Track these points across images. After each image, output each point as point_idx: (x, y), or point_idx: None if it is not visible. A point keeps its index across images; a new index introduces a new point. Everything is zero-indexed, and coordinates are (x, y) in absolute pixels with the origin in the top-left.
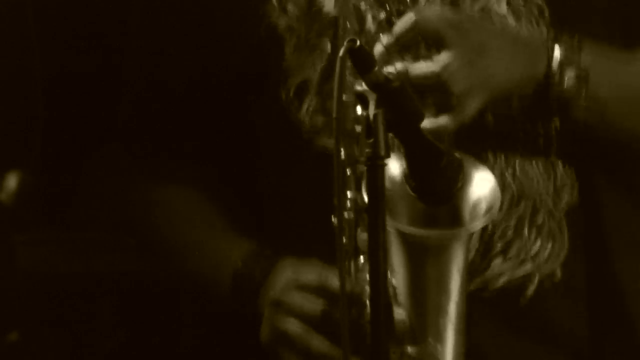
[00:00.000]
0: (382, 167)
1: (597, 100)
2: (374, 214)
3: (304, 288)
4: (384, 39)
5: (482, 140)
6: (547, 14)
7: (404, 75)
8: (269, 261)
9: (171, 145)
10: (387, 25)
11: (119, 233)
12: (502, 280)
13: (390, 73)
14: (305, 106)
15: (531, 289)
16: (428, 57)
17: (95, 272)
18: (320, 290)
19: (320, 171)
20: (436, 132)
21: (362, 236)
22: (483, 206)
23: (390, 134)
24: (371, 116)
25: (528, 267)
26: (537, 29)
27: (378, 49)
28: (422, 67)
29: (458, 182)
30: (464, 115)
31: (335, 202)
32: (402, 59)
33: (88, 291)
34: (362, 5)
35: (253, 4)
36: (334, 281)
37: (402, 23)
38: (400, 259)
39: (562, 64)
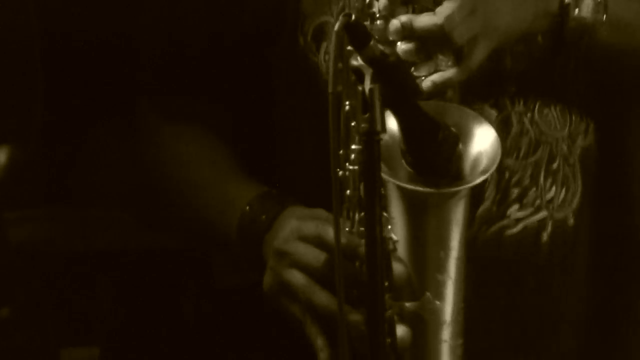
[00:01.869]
0: (378, 142)
1: (618, 24)
2: (371, 190)
3: (306, 238)
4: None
5: (500, 85)
6: None
7: (408, 29)
8: (276, 206)
9: (183, 84)
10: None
11: (126, 174)
12: (518, 227)
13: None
14: (322, 50)
15: (545, 236)
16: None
17: (94, 251)
18: (320, 242)
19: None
20: (444, 85)
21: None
22: (484, 161)
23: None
24: (367, 91)
25: (543, 213)
26: None
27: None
28: (424, 20)
29: (454, 156)
30: (471, 66)
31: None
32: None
33: (86, 270)
34: None
35: None
36: (329, 232)
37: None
38: (400, 213)
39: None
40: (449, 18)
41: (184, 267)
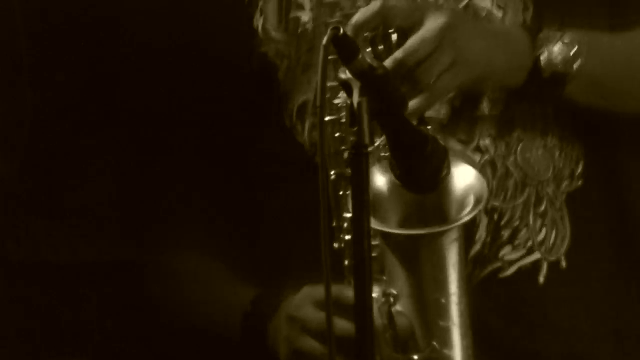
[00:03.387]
0: (367, 155)
1: (589, 75)
2: (359, 202)
3: (318, 303)
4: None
5: (481, 128)
6: (531, 9)
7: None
8: (276, 297)
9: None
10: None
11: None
12: (512, 269)
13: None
14: (306, 126)
15: (542, 277)
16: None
17: (82, 262)
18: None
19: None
20: (414, 113)
21: None
22: (471, 198)
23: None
24: (355, 104)
25: (536, 255)
26: (519, 21)
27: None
28: (386, 62)
29: (443, 168)
30: (435, 95)
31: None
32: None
33: (74, 281)
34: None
35: (241, 39)
36: (348, 294)
37: (363, 12)
38: (395, 264)
39: (548, 45)
40: (409, 52)
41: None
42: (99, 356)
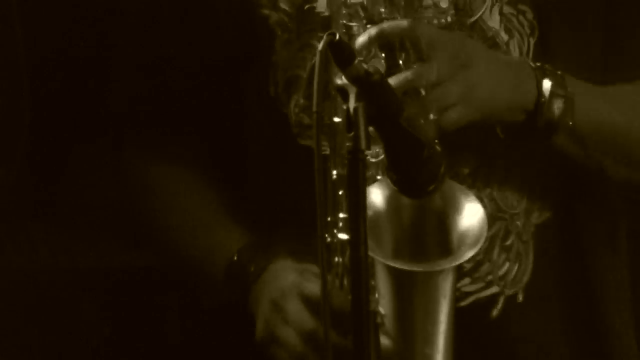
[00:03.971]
0: (363, 160)
1: (579, 128)
2: (355, 207)
3: (306, 298)
4: (370, 31)
5: (464, 159)
6: (537, 33)
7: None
8: (264, 256)
9: (166, 128)
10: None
11: (114, 218)
12: (468, 301)
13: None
14: (292, 102)
15: (496, 311)
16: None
17: (80, 268)
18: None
19: (306, 165)
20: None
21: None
22: (470, 237)
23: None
24: (351, 110)
25: (494, 288)
26: (525, 58)
27: (359, 41)
28: (395, 77)
29: (439, 174)
30: (444, 125)
31: (317, 199)
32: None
33: (73, 287)
34: (353, 9)
35: None
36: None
37: (393, 23)
38: (388, 288)
39: (552, 93)
40: (421, 75)
41: (169, 286)
42: None
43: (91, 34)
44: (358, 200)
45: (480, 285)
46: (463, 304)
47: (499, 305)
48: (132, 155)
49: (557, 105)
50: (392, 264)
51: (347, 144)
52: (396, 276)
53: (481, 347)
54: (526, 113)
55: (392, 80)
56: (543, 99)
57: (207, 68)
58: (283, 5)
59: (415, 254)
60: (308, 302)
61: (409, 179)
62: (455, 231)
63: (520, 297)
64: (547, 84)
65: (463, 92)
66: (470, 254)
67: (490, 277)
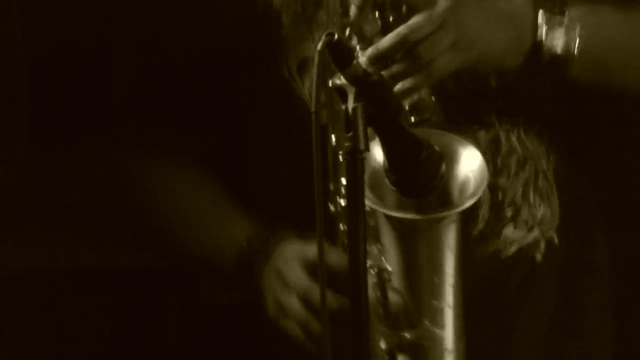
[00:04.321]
0: (362, 160)
1: (591, 56)
2: (354, 208)
3: (305, 262)
4: (369, 50)
5: (487, 104)
6: None
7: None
8: (272, 241)
9: (172, 122)
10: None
11: (116, 218)
12: (513, 248)
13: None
14: (307, 82)
15: (539, 256)
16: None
17: (80, 269)
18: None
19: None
20: (409, 91)
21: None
22: (471, 184)
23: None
24: (350, 110)
25: (535, 232)
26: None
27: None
28: (387, 39)
29: (438, 175)
30: (433, 73)
31: (316, 196)
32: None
33: (73, 287)
34: None
35: None
36: (339, 262)
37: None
38: (392, 241)
39: (548, 29)
40: (413, 28)
41: (170, 286)
42: None
43: (91, 31)
44: (357, 199)
45: (523, 231)
46: (509, 252)
47: (542, 249)
48: (134, 154)
49: (557, 39)
50: (394, 214)
51: (346, 144)
52: (399, 229)
53: (531, 291)
54: (525, 54)
55: (388, 38)
56: (539, 38)
57: (213, 63)
58: None
59: (417, 206)
60: (308, 265)
61: (407, 179)
62: (456, 182)
63: (556, 240)
64: (542, 20)
65: (455, 37)
66: (470, 202)
67: (531, 222)
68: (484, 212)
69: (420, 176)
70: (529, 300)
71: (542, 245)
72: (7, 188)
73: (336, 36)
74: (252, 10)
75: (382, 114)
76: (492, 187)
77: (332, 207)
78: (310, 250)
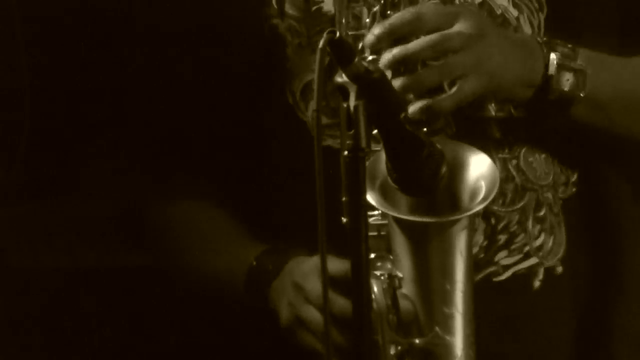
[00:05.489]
0: (363, 158)
1: (596, 99)
2: (355, 206)
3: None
4: (375, 28)
5: (486, 132)
6: (545, 10)
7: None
8: (282, 256)
9: (183, 160)
10: (381, 18)
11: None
12: (507, 274)
13: (370, 63)
14: (310, 108)
15: (537, 281)
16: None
17: (81, 268)
18: (341, 282)
19: (330, 169)
20: (432, 112)
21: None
22: (482, 189)
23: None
24: (352, 108)
25: (532, 260)
26: (533, 34)
27: (369, 37)
28: (397, 16)
29: (440, 173)
30: (461, 96)
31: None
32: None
33: (73, 287)
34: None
35: (252, 7)
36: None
37: (400, 15)
38: (403, 248)
39: (559, 67)
40: (445, 39)
41: (169, 286)
42: None
43: (95, 37)
44: (358, 198)
45: (518, 257)
46: (502, 277)
47: (540, 276)
48: (142, 180)
49: (567, 78)
50: (405, 217)
51: (347, 142)
52: (411, 236)
53: (525, 318)
54: (535, 88)
55: (417, 41)
56: (550, 73)
57: (222, 88)
58: (290, 11)
59: (429, 211)
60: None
61: (409, 178)
62: (467, 186)
63: (560, 270)
64: (554, 58)
65: (475, 63)
66: (481, 206)
67: (527, 248)
68: (477, 238)
69: (422, 174)
70: (523, 325)
71: (541, 273)
72: (8, 187)
73: (338, 34)
74: (256, 36)
75: (383, 111)
76: (486, 213)
77: (344, 219)
78: (330, 264)
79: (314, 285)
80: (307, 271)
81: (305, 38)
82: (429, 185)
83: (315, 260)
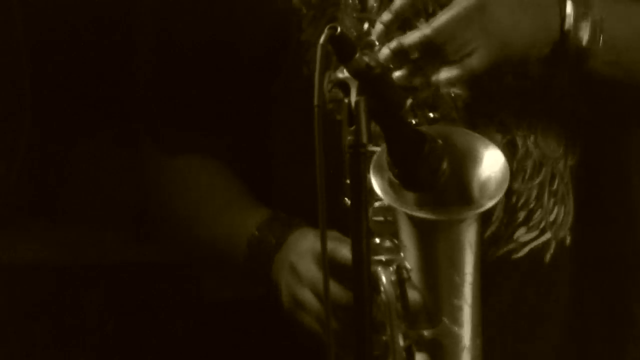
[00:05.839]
0: (365, 154)
1: (614, 48)
2: (357, 202)
3: (319, 260)
4: (383, 16)
5: (505, 106)
6: None
7: (399, 51)
8: (284, 227)
9: (188, 115)
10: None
11: (120, 213)
12: (524, 251)
13: (371, 60)
14: (326, 79)
15: (548, 256)
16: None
17: (82, 265)
18: (333, 264)
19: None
20: (447, 83)
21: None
22: (492, 185)
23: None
24: (353, 103)
25: (547, 235)
26: None
27: (378, 27)
28: (412, 36)
29: (440, 169)
30: (472, 65)
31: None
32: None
33: (75, 283)
34: None
35: None
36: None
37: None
38: (412, 239)
39: (576, 19)
40: (439, 30)
41: (172, 281)
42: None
43: (95, 28)
44: (360, 194)
45: (535, 233)
46: (520, 254)
47: (551, 250)
48: (150, 149)
49: (584, 30)
50: (414, 213)
51: (349, 138)
52: (419, 227)
53: (537, 292)
54: (552, 45)
55: (413, 35)
56: (567, 29)
57: (235, 63)
58: None
59: (437, 205)
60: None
61: (410, 173)
62: (477, 181)
63: (568, 240)
64: (569, 9)
65: (480, 36)
66: (491, 203)
67: (543, 224)
68: (497, 214)
69: (423, 170)
70: (531, 299)
71: (553, 246)
72: (8, 187)
73: (339, 29)
74: (272, 8)
75: (384, 107)
76: (507, 190)
77: (347, 201)
78: (329, 245)
79: (308, 267)
80: (302, 250)
81: (320, 10)
82: (430, 182)
83: (313, 238)
